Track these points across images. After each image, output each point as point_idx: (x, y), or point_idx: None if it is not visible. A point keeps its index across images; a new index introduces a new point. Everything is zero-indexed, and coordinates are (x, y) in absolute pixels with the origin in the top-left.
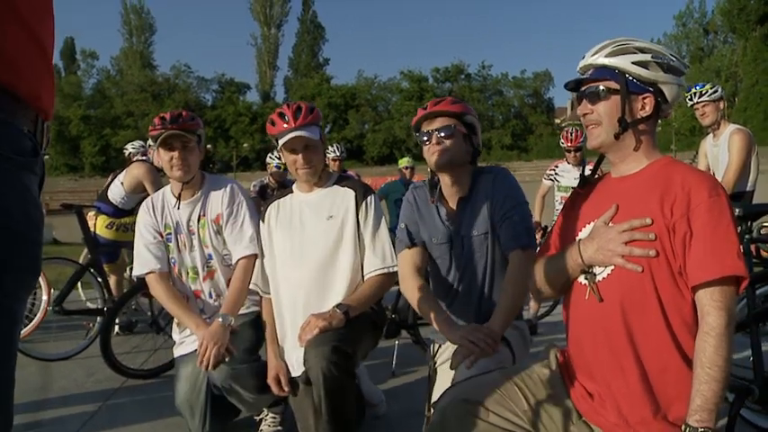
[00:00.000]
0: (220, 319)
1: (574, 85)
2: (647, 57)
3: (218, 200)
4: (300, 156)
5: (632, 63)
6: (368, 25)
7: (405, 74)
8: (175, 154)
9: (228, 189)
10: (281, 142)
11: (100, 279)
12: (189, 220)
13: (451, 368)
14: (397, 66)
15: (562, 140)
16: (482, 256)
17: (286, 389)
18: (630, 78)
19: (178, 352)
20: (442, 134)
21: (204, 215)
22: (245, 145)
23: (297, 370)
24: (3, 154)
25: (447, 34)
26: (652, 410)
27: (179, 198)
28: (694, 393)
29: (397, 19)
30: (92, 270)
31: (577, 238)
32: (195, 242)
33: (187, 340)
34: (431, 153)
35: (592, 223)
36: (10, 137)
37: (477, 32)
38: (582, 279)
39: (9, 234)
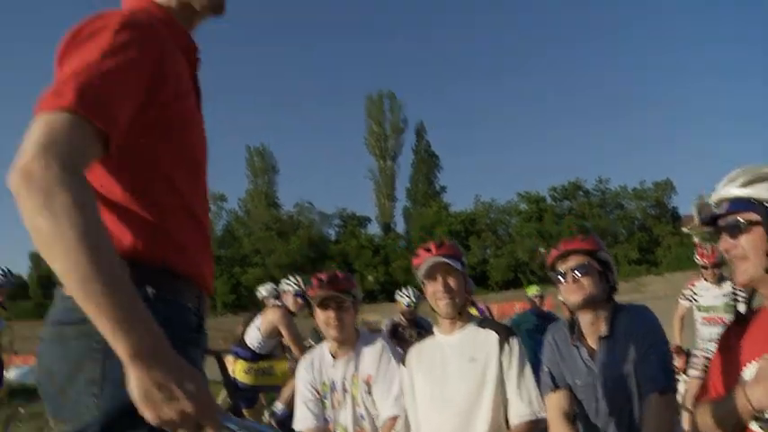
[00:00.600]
0: None
1: (710, 221)
2: None
3: (369, 359)
4: (441, 283)
5: None
6: (481, 150)
7: (522, 195)
8: (331, 314)
9: (379, 347)
10: (422, 270)
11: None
12: (344, 379)
13: None
14: (514, 187)
15: (697, 257)
16: (627, 398)
17: None
18: None
19: None
20: (578, 273)
21: (357, 374)
22: (369, 278)
23: None
24: (168, 332)
25: (561, 151)
26: None
27: (334, 356)
28: None
29: (510, 141)
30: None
31: (741, 380)
32: (348, 400)
33: None
34: (568, 292)
35: (754, 362)
36: (175, 314)
37: (592, 147)
38: (755, 426)
39: None
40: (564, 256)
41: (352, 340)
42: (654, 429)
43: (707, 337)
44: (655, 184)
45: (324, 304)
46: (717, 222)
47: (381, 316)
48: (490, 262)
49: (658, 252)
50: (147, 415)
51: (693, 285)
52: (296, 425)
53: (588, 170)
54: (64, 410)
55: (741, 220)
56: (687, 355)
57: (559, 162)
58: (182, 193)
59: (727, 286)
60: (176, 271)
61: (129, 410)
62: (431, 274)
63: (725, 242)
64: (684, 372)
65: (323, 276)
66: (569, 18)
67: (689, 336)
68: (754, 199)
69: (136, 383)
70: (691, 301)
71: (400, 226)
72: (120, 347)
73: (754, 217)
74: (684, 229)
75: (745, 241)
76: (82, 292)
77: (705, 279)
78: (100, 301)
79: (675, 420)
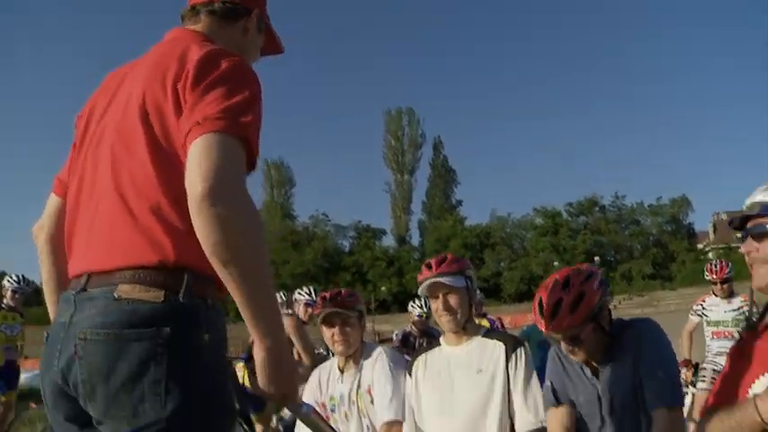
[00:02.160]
0: None
1: (739, 223)
2: None
3: (368, 370)
4: (441, 301)
5: None
6: (498, 165)
7: (538, 210)
8: (335, 330)
9: (375, 356)
10: (423, 289)
11: (247, 428)
12: (350, 392)
13: None
14: (530, 202)
15: (707, 273)
16: (632, 416)
17: None
18: None
19: None
20: (572, 345)
21: (360, 386)
22: (382, 288)
23: None
24: (221, 340)
25: (578, 168)
26: None
27: (342, 370)
28: None
29: (527, 157)
30: (240, 420)
31: (751, 392)
32: (355, 412)
33: None
34: (572, 355)
35: (766, 375)
36: (222, 321)
37: (609, 163)
38: None
39: (231, 405)
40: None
41: (358, 354)
42: None
43: (716, 350)
44: (671, 201)
45: (328, 321)
46: (746, 225)
47: (394, 326)
48: (504, 275)
49: (673, 267)
50: (268, 387)
51: (704, 301)
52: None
53: (605, 186)
54: (120, 409)
55: None
56: (695, 368)
57: (577, 178)
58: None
59: (736, 301)
60: (215, 280)
61: (189, 409)
62: (431, 293)
63: (748, 245)
64: (692, 384)
65: (327, 294)
66: (586, 33)
67: (699, 351)
68: None
69: (268, 365)
70: (701, 316)
71: (415, 239)
72: (269, 338)
73: None
74: (700, 246)
75: None
76: (255, 287)
77: (715, 294)
78: (265, 300)
79: None
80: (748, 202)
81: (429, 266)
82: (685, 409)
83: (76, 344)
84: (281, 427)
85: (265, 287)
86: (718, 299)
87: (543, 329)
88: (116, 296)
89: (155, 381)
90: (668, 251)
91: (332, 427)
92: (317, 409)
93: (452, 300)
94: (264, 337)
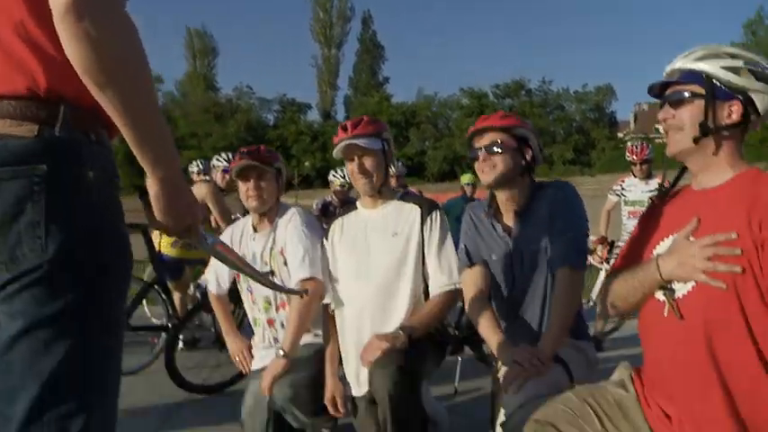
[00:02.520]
0: (278, 353)
1: (658, 90)
2: (739, 63)
3: (282, 230)
4: (356, 164)
5: (721, 68)
6: (427, 43)
7: (465, 91)
8: (250, 184)
9: (289, 217)
10: (338, 151)
11: (164, 296)
12: (263, 252)
13: (504, 392)
14: (457, 83)
15: (628, 154)
16: (542, 273)
17: (341, 410)
18: (718, 84)
19: (253, 366)
20: (491, 150)
21: (274, 247)
22: (306, 164)
23: (361, 389)
24: (110, 179)
25: (507, 50)
26: None
27: (256, 229)
28: None
29: (457, 36)
30: (157, 287)
31: (655, 253)
32: (268, 273)
33: (259, 356)
34: (480, 170)
35: (671, 237)
36: (110, 157)
37: (538, 47)
38: (660, 295)
39: (125, 246)
40: (479, 133)
41: (272, 214)
42: (561, 304)
43: (631, 229)
44: (596, 89)
45: (244, 175)
46: (665, 93)
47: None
48: (428, 154)
49: (593, 154)
50: (165, 219)
51: (623, 181)
52: (208, 283)
53: (533, 71)
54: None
55: (686, 92)
56: (611, 245)
57: (505, 61)
58: None
59: (653, 183)
60: (99, 113)
61: (73, 250)
62: (346, 155)
63: (666, 112)
64: (607, 261)
65: (244, 149)
66: None
67: (616, 230)
68: (704, 73)
69: (163, 197)
70: (619, 196)
71: (341, 115)
72: (159, 166)
73: (699, 90)
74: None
75: (685, 112)
76: (138, 112)
77: (634, 175)
78: (151, 127)
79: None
80: (668, 68)
81: (345, 128)
82: (599, 284)
83: None
84: (198, 294)
85: (150, 112)
86: (637, 179)
87: (471, 130)
88: None
89: (32, 222)
90: (590, 138)
91: (240, 258)
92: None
93: (368, 162)
94: (154, 166)
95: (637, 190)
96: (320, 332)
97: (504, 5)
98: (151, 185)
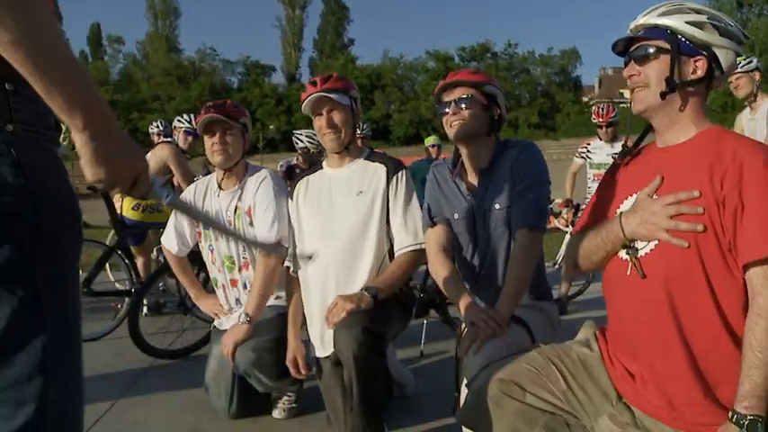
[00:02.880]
0: (240, 318)
1: (623, 47)
2: (703, 18)
3: (251, 191)
4: (324, 118)
5: (686, 23)
6: (392, 4)
7: (430, 53)
8: (215, 139)
9: (261, 178)
10: (307, 105)
11: (127, 261)
12: (227, 210)
13: (464, 355)
14: (423, 45)
15: (593, 116)
16: (504, 232)
17: (303, 371)
18: (683, 39)
19: (215, 330)
20: (460, 104)
21: (240, 206)
22: (271, 127)
23: (326, 350)
24: (42, 132)
25: (473, 13)
26: (698, 392)
27: (221, 187)
28: (743, 378)
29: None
30: (119, 252)
31: (618, 211)
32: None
33: (224, 319)
34: (448, 124)
35: (634, 195)
36: (43, 113)
37: (504, 11)
38: (623, 254)
39: (72, 204)
40: (449, 86)
41: (239, 172)
42: (518, 264)
43: None
44: (561, 52)
45: (209, 129)
46: (629, 50)
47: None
48: (394, 117)
49: (558, 118)
50: (95, 171)
51: (588, 144)
52: (164, 241)
53: (499, 34)
54: None
55: (651, 48)
56: (576, 208)
57: (471, 24)
58: None
59: (618, 146)
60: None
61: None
62: (315, 110)
63: (631, 68)
64: (572, 224)
65: (210, 103)
66: None
67: (580, 192)
68: (668, 28)
69: (88, 142)
70: (584, 158)
71: (305, 77)
72: (78, 114)
73: (665, 45)
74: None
75: (651, 68)
76: (41, 57)
77: (600, 138)
78: (55, 66)
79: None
80: (632, 24)
81: (314, 83)
82: (564, 247)
83: None
84: (161, 258)
85: (52, 48)
86: (602, 142)
87: (441, 83)
88: None
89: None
90: (555, 102)
91: (204, 213)
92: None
93: (336, 116)
94: (72, 114)
95: (602, 153)
96: (283, 294)
97: None
98: (75, 138)
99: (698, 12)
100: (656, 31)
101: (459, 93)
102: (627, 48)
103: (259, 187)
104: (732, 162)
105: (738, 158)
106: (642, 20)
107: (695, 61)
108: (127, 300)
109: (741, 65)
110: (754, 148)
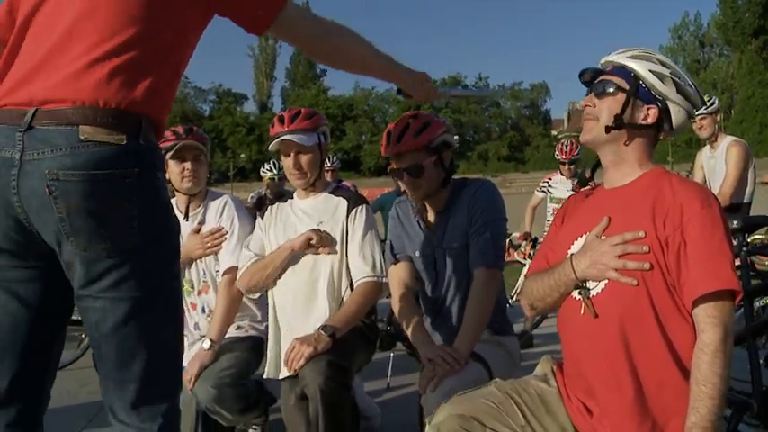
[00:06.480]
0: (204, 345)
1: (589, 77)
2: (666, 71)
3: (212, 216)
4: (291, 160)
5: (650, 71)
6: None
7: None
8: (187, 165)
9: (222, 204)
10: (273, 144)
11: None
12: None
13: (422, 392)
14: None
15: (557, 153)
16: (463, 270)
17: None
18: (642, 85)
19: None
20: (412, 173)
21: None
22: (242, 155)
23: (278, 371)
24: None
25: (444, 47)
26: (648, 427)
27: (187, 212)
28: (690, 410)
29: (394, 32)
30: None
31: (569, 253)
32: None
33: (186, 353)
34: (405, 190)
35: (584, 236)
36: (162, 162)
37: (474, 45)
38: (576, 294)
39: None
40: (396, 156)
41: (201, 196)
42: (476, 302)
43: None
44: (531, 86)
45: (180, 155)
46: (594, 81)
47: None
48: (365, 148)
49: (527, 151)
50: (419, 93)
51: (550, 179)
52: None
53: (469, 67)
54: (102, 240)
55: (611, 86)
56: (534, 242)
57: (442, 58)
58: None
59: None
60: (158, 126)
61: (158, 236)
62: (282, 151)
63: (589, 100)
64: (530, 257)
65: (178, 129)
66: None
67: (540, 225)
68: (633, 71)
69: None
70: (545, 192)
71: (277, 106)
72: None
73: (624, 85)
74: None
75: (605, 103)
76: (377, 63)
77: (562, 174)
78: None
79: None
80: (603, 59)
81: (281, 120)
82: (522, 280)
83: (49, 184)
84: None
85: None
86: (564, 178)
87: (386, 151)
88: (82, 138)
89: (129, 216)
90: (524, 135)
91: None
92: None
93: (303, 159)
94: (395, 78)
95: (563, 188)
96: (243, 324)
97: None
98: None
99: (664, 65)
100: (621, 71)
101: (408, 161)
102: (592, 79)
103: (223, 212)
104: (673, 203)
105: (678, 199)
106: (613, 57)
107: (648, 108)
108: None
109: (705, 106)
110: (693, 190)
